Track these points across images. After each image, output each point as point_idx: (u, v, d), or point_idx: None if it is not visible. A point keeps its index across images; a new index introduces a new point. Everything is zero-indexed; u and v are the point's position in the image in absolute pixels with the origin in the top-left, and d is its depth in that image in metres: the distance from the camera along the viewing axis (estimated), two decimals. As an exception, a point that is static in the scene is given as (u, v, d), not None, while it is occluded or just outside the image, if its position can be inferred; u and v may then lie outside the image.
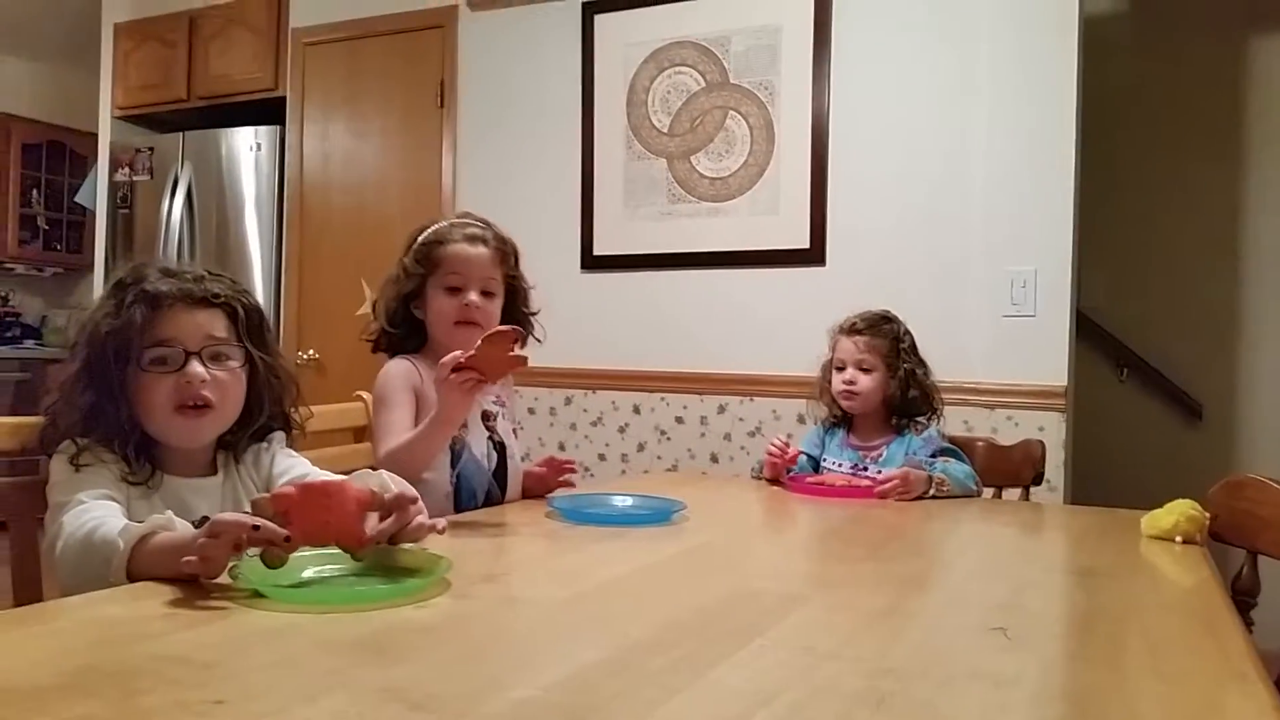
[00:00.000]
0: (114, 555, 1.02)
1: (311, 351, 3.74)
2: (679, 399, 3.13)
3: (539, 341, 1.79)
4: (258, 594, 0.99)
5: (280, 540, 1.00)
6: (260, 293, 3.88)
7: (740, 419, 3.05)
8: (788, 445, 2.02)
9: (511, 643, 0.94)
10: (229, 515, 0.98)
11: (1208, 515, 1.54)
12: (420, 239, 1.71)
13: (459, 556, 1.15)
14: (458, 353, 1.47)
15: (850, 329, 2.10)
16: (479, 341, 1.47)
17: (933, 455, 2.01)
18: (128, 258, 4.23)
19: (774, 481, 2.04)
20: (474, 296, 1.68)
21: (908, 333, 2.11)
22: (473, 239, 1.70)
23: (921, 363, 2.10)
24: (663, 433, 3.14)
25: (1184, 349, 3.40)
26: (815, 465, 2.14)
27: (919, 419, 2.08)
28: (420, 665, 0.84)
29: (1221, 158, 3.36)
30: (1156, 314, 3.44)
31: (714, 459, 3.09)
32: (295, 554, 1.04)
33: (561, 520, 1.55)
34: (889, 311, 2.15)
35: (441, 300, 1.68)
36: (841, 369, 2.09)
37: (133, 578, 1.03)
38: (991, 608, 1.13)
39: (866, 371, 2.06)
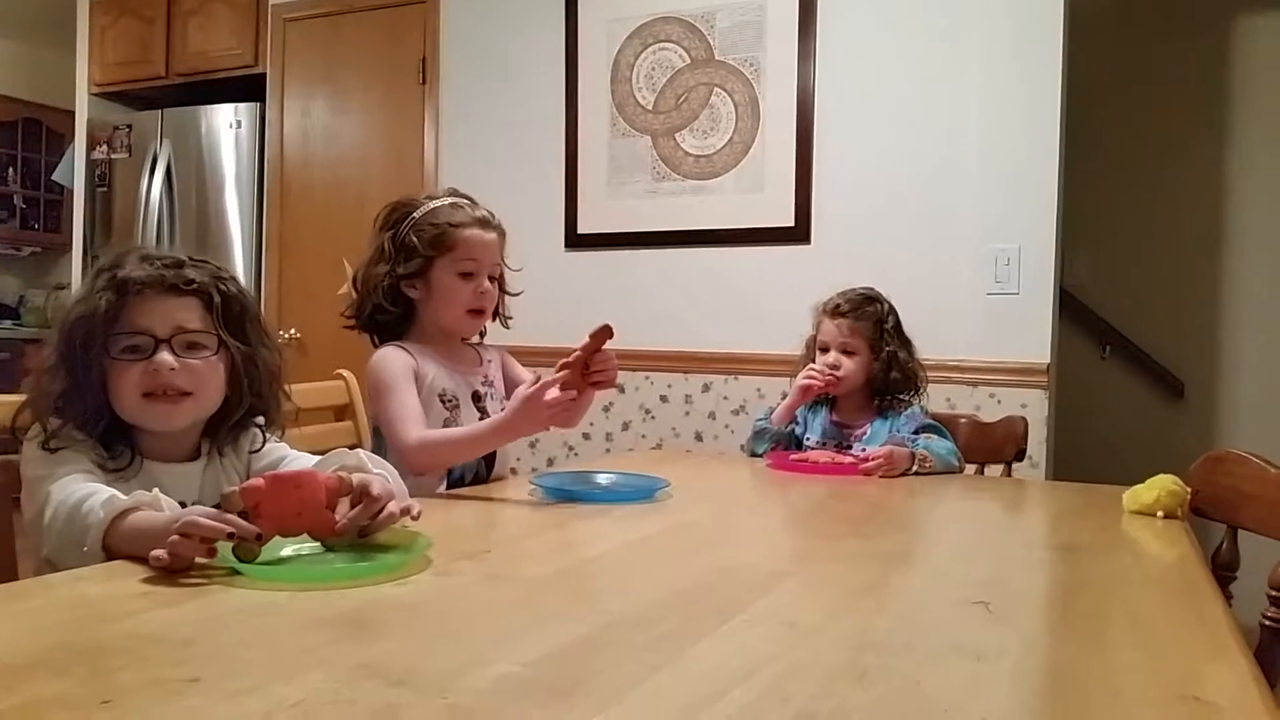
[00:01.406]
0: (94, 524, 1.02)
1: (293, 330, 3.72)
2: (663, 378, 3.12)
3: (506, 327, 1.80)
4: (235, 571, 0.98)
5: (252, 537, 0.99)
6: (241, 272, 3.84)
7: (725, 397, 3.05)
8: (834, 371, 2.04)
9: (493, 619, 0.93)
10: (203, 517, 0.97)
11: (1189, 490, 1.55)
12: (426, 219, 1.68)
13: (441, 534, 1.14)
14: (566, 370, 1.50)
15: (834, 311, 2.09)
16: (587, 337, 1.51)
17: (915, 432, 2.01)
18: (106, 236, 4.19)
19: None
20: (487, 284, 1.70)
21: (891, 311, 2.11)
22: (485, 224, 1.71)
23: (905, 343, 2.10)
24: (647, 411, 3.14)
25: (1166, 327, 3.42)
26: (798, 442, 2.14)
27: (901, 397, 2.08)
28: (400, 642, 0.83)
29: (1206, 138, 3.37)
30: (1139, 292, 3.45)
31: (698, 437, 3.09)
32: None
33: (545, 497, 1.54)
34: (873, 290, 2.14)
35: (455, 284, 1.68)
36: (825, 350, 2.09)
37: (108, 550, 1.02)
38: (974, 583, 1.13)
39: (849, 354, 2.06)
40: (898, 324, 2.11)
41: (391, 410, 1.59)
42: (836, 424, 2.12)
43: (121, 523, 1.02)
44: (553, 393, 1.46)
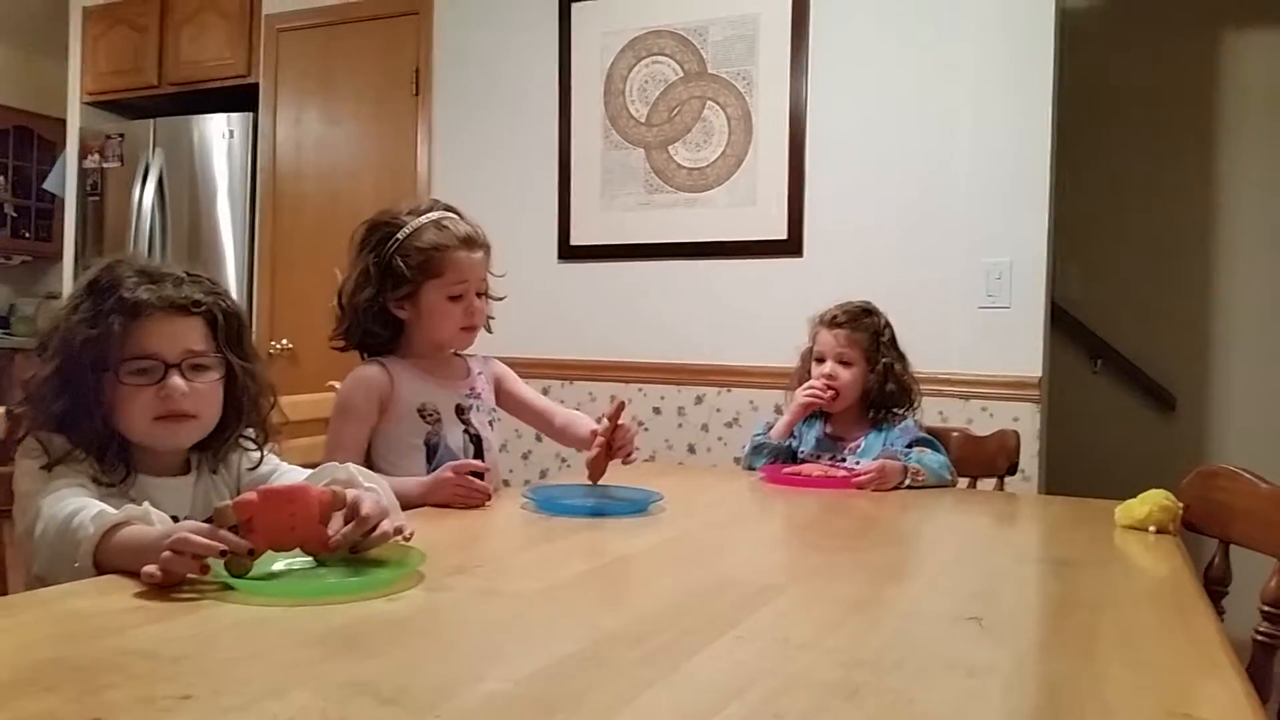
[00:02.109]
0: (84, 539, 1.01)
1: (285, 341, 3.71)
2: (656, 390, 3.12)
3: (490, 331, 1.79)
4: (227, 586, 0.97)
5: (244, 552, 0.99)
6: (233, 282, 3.83)
7: (717, 410, 3.05)
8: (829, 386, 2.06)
9: (484, 635, 0.93)
10: (196, 535, 0.97)
11: (1181, 505, 1.55)
12: (411, 242, 1.65)
13: (432, 549, 1.14)
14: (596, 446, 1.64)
15: (831, 322, 2.10)
16: (605, 419, 1.65)
17: (909, 445, 2.01)
18: (98, 246, 4.17)
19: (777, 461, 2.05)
20: (476, 301, 1.70)
21: (888, 325, 2.12)
22: (471, 243, 1.69)
23: (900, 356, 2.11)
24: (640, 423, 3.13)
25: (1158, 341, 3.43)
26: (792, 455, 2.14)
27: (896, 410, 2.09)
28: (391, 658, 0.83)
29: (1196, 151, 3.38)
30: (1131, 306, 3.46)
31: (691, 450, 3.09)
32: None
33: (537, 511, 1.54)
34: (870, 303, 2.15)
35: (445, 306, 1.68)
36: (821, 361, 2.09)
37: (99, 565, 1.01)
38: (966, 597, 1.13)
39: (846, 365, 2.07)
40: (893, 337, 2.12)
41: (334, 434, 1.66)
42: (830, 436, 2.12)
43: (112, 538, 1.02)
44: (473, 480, 1.54)
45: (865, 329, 2.08)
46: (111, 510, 1.05)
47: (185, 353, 1.20)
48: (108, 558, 1.01)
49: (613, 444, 1.66)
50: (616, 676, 0.80)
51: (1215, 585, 1.51)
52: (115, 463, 1.18)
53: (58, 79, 4.48)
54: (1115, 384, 3.46)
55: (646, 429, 3.13)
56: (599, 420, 1.72)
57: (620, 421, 1.66)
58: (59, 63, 4.44)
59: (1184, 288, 3.40)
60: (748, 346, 2.98)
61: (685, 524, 1.56)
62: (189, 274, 1.26)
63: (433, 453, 1.67)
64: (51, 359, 1.18)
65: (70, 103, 4.34)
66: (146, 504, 1.06)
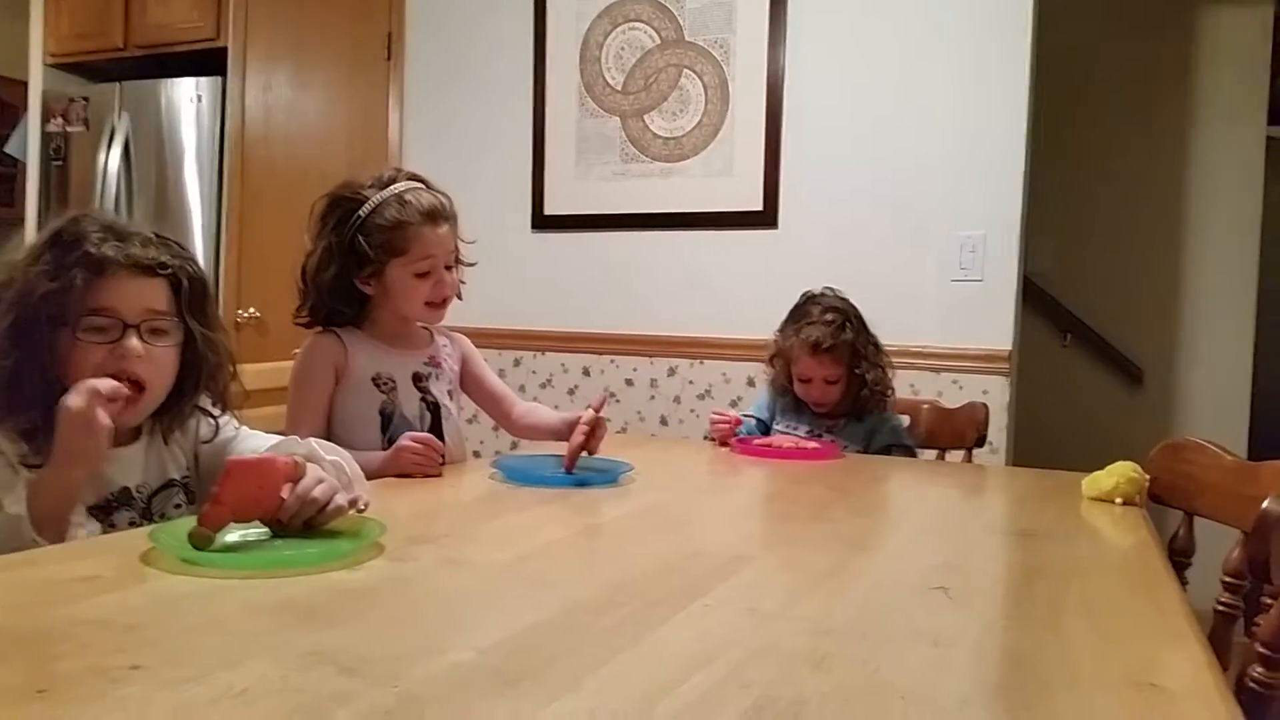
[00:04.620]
0: (23, 525, 1.01)
1: (252, 309, 3.65)
2: (629, 361, 3.11)
3: (460, 298, 1.75)
4: (183, 558, 0.95)
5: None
6: (200, 249, 3.76)
7: (690, 381, 3.04)
8: (725, 413, 2.07)
9: (448, 605, 0.92)
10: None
11: (1147, 477, 1.56)
12: (373, 220, 1.61)
13: (396, 519, 1.12)
14: (572, 454, 1.58)
15: (814, 348, 2.07)
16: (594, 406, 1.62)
17: (887, 449, 2.07)
18: (61, 211, 4.05)
19: (724, 443, 2.04)
20: (444, 274, 1.67)
21: (860, 327, 2.11)
22: (435, 217, 1.64)
23: (875, 353, 2.11)
24: (612, 395, 3.13)
25: (1126, 315, 3.45)
26: (766, 429, 2.14)
27: (876, 391, 2.11)
28: (351, 629, 0.81)
29: (1170, 127, 3.40)
30: (1101, 281, 3.48)
31: (663, 421, 3.08)
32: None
33: (505, 481, 1.53)
34: (837, 299, 2.14)
35: (412, 283, 1.64)
36: (807, 381, 2.10)
37: (41, 526, 1.02)
38: (933, 568, 1.14)
39: (833, 384, 2.09)
40: (867, 335, 2.11)
41: (294, 404, 1.64)
42: (815, 415, 2.14)
43: (37, 498, 1.02)
44: (430, 450, 1.54)
45: (844, 346, 2.08)
46: (15, 492, 1.05)
47: (146, 313, 1.18)
48: (45, 511, 1.03)
49: (595, 432, 1.61)
50: (583, 646, 0.79)
51: (1179, 556, 1.52)
52: (49, 436, 1.14)
53: (19, 40, 4.37)
54: (1084, 358, 3.49)
55: (618, 401, 3.12)
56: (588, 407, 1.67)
57: (601, 415, 1.62)
58: (20, 23, 4.33)
59: (1154, 263, 3.42)
60: (721, 319, 2.97)
61: (656, 495, 1.55)
62: (157, 235, 1.23)
63: (388, 422, 1.65)
64: (7, 312, 1.14)
65: (32, 65, 4.24)
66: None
